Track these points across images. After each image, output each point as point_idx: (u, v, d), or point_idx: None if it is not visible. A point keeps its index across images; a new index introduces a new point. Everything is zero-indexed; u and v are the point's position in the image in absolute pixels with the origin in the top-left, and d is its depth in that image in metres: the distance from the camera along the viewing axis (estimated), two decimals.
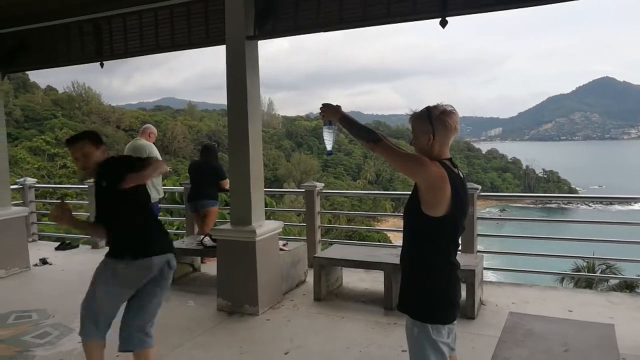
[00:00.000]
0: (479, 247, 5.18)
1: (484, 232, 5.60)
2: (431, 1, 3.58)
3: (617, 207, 47.85)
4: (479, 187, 5.15)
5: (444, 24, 3.59)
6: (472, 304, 4.02)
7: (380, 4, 3.73)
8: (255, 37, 4.30)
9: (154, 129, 6.29)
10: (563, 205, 50.67)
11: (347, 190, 36.79)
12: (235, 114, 4.34)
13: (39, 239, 7.84)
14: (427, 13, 3.62)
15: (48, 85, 55.24)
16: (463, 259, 4.58)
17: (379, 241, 18.99)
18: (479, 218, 5.18)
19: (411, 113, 2.09)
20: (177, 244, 5.74)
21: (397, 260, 4.32)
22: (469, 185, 5.21)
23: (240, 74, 4.26)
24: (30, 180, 7.88)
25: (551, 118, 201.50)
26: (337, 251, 5.06)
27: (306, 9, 4.07)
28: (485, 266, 4.84)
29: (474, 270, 4.05)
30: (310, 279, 4.91)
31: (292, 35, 4.36)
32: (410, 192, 2.05)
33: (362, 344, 3.65)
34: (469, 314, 4.02)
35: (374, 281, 4.95)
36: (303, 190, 5.95)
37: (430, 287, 2.02)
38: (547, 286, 5.25)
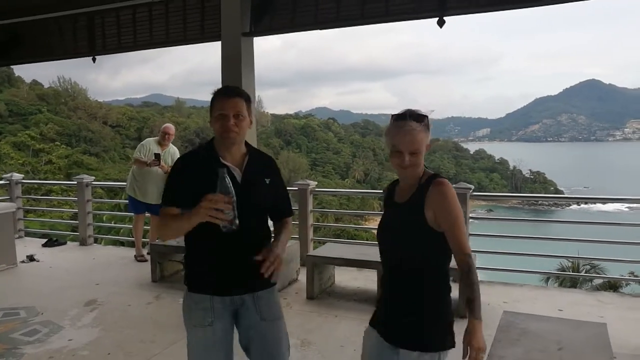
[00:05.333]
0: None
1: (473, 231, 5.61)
2: (430, 0, 3.59)
3: (601, 207, 48.56)
4: (472, 186, 5.19)
5: (441, 23, 3.61)
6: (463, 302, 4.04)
7: (378, 2, 3.75)
8: (251, 34, 4.28)
9: (166, 128, 6.05)
10: (552, 208, 51.34)
11: (336, 189, 36.80)
12: None
13: (26, 236, 7.73)
14: (425, 12, 3.64)
15: (33, 80, 54.43)
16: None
17: (367, 240, 19.15)
18: (470, 218, 5.21)
19: (413, 124, 1.77)
20: (169, 241, 5.70)
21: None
22: (463, 185, 5.25)
23: (236, 71, 4.24)
24: (17, 176, 7.76)
25: (538, 119, 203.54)
26: (331, 250, 5.06)
27: (303, 6, 4.08)
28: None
29: None
30: (302, 277, 4.90)
31: (289, 32, 4.37)
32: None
33: (356, 343, 3.64)
34: (462, 313, 4.02)
35: (366, 280, 4.96)
36: (296, 188, 5.94)
37: (444, 310, 1.85)
38: (537, 285, 5.32)
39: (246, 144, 2.07)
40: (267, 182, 2.05)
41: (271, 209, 2.12)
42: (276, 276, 1.96)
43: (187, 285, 2.02)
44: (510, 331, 2.71)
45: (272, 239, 2.08)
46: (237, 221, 1.64)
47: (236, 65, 4.25)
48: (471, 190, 5.11)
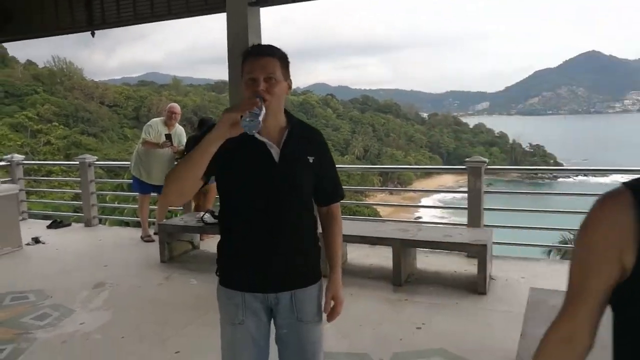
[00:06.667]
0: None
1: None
2: None
3: (599, 179, 48.49)
4: (487, 160, 5.07)
5: None
6: (483, 278, 3.96)
7: None
8: (257, 4, 4.09)
9: (172, 107, 5.96)
10: (552, 181, 51.24)
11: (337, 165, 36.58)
12: (237, 85, 4.15)
13: (29, 217, 7.63)
14: None
15: (28, 60, 53.57)
16: (473, 233, 4.53)
17: (369, 216, 19.17)
18: (485, 192, 5.08)
19: None
20: (175, 221, 5.61)
21: (405, 236, 4.26)
22: (477, 158, 5.12)
23: (243, 43, 4.06)
24: (18, 157, 7.62)
25: (537, 92, 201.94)
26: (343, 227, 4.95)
27: None
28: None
29: (485, 245, 3.99)
30: None
31: (298, 2, 4.16)
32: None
33: (374, 321, 3.58)
34: (480, 290, 3.97)
35: (379, 257, 4.87)
36: None
37: None
38: (554, 260, 5.24)
39: (287, 114, 1.71)
40: (311, 160, 1.70)
41: (316, 192, 1.78)
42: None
43: (219, 278, 1.80)
44: (541, 309, 2.61)
45: (327, 260, 1.88)
46: (260, 120, 1.42)
47: (243, 37, 4.07)
48: (486, 164, 4.99)
